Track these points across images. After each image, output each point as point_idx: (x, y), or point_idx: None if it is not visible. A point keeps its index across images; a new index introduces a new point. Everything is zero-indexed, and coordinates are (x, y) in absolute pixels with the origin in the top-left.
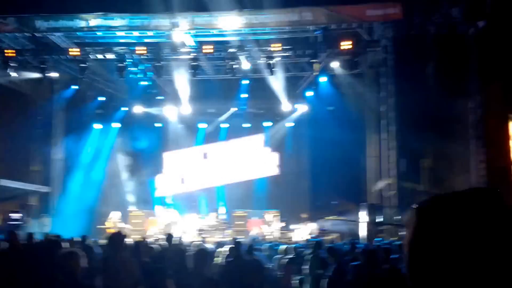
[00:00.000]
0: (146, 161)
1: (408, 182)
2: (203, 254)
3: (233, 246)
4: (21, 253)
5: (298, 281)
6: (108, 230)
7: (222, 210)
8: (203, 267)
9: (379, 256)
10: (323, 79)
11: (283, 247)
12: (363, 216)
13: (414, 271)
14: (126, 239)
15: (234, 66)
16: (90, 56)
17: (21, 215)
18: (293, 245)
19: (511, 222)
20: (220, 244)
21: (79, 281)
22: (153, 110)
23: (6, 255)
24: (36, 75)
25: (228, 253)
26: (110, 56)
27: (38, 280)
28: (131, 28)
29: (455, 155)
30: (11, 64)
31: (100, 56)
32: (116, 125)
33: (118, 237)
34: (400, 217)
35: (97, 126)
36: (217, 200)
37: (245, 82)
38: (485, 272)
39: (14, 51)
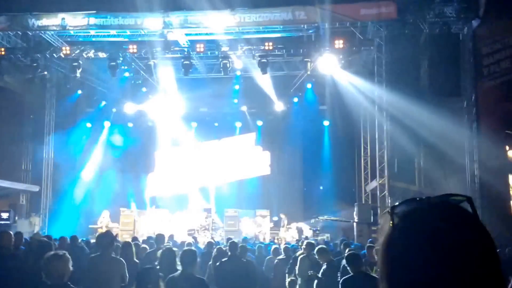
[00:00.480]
0: (137, 160)
1: (401, 183)
2: (191, 255)
3: (228, 246)
4: (10, 255)
5: (289, 283)
6: (99, 230)
7: (213, 209)
8: (192, 267)
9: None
10: (316, 78)
11: (274, 247)
12: (356, 216)
13: (386, 274)
14: (115, 239)
15: (226, 65)
16: (82, 54)
17: (9, 214)
18: (285, 245)
19: (479, 232)
20: (211, 244)
21: (66, 285)
22: (144, 109)
23: None
24: (27, 74)
25: (217, 254)
26: (102, 54)
27: (26, 283)
28: (123, 26)
29: (448, 154)
30: (2, 63)
31: (92, 55)
32: (107, 123)
33: (106, 237)
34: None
35: (88, 124)
36: (208, 200)
37: (237, 81)
38: (453, 278)
39: (4, 49)
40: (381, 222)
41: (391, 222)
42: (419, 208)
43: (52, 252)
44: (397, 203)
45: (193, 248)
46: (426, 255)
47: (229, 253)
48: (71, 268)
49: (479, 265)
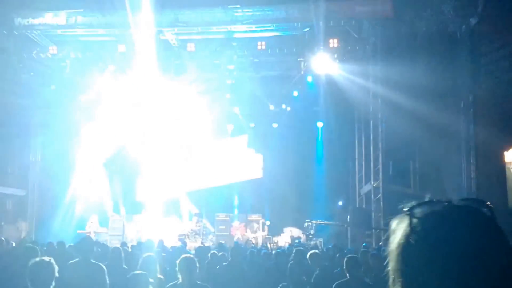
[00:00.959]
0: (127, 163)
1: (396, 185)
2: (191, 262)
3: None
4: None
5: None
6: (88, 235)
7: (204, 214)
8: (194, 275)
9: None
10: (310, 78)
11: (266, 252)
12: (350, 220)
13: (401, 276)
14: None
15: (218, 65)
16: (70, 54)
17: None
18: (277, 250)
19: (499, 237)
20: (201, 249)
21: None
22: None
23: None
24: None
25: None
26: (90, 54)
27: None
28: (111, 25)
29: (445, 157)
30: None
31: (79, 55)
32: (98, 124)
33: (85, 242)
34: (389, 221)
35: (80, 126)
36: (199, 204)
37: (229, 81)
38: (472, 284)
39: None
40: (395, 224)
41: (409, 224)
42: (440, 211)
43: (37, 259)
44: (414, 204)
45: (191, 255)
46: (446, 260)
47: (230, 259)
48: (56, 274)
49: (498, 271)
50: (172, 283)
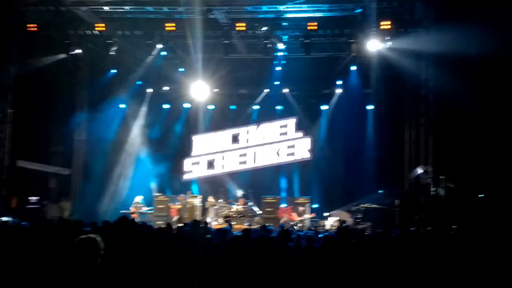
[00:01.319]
0: (173, 143)
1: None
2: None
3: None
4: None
5: None
6: (133, 215)
7: (251, 196)
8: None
9: None
10: (361, 60)
11: (310, 236)
12: (398, 204)
13: None
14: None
15: (268, 45)
16: (117, 32)
17: (38, 198)
18: (324, 234)
19: None
20: (247, 232)
21: (97, 268)
22: (181, 91)
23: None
24: (60, 52)
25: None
26: (138, 32)
27: (55, 265)
28: (160, 3)
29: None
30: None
31: (127, 33)
32: (142, 105)
33: (126, 222)
34: None
35: (122, 105)
36: (247, 186)
37: (279, 64)
38: None
39: (36, 25)
40: None
41: None
42: None
43: (83, 236)
44: None
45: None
46: None
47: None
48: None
49: None
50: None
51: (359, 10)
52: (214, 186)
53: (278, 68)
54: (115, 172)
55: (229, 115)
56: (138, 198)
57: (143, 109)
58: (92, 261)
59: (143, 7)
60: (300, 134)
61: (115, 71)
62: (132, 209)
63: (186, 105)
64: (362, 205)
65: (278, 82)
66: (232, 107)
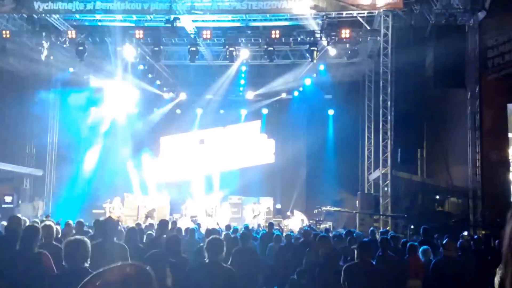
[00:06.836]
0: (142, 145)
1: (404, 173)
2: (219, 243)
3: (240, 236)
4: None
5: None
6: (109, 215)
7: (216, 196)
8: (219, 256)
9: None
10: (321, 67)
11: (276, 235)
12: (358, 206)
13: None
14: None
15: (233, 52)
16: (88, 39)
17: (12, 198)
18: (288, 233)
19: None
20: (215, 231)
21: (85, 269)
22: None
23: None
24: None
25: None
26: (108, 39)
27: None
28: (129, 11)
29: (451, 145)
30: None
31: (97, 40)
32: (113, 108)
33: (108, 223)
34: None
35: (93, 108)
36: (212, 187)
37: (244, 68)
38: None
39: (9, 32)
40: (509, 215)
41: None
42: None
43: (72, 238)
44: None
45: (218, 236)
46: None
47: (241, 242)
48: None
49: None
50: (199, 262)
51: (319, 20)
52: (181, 186)
53: (243, 75)
54: (86, 173)
55: (196, 118)
56: (116, 200)
57: (114, 112)
58: (81, 262)
59: (113, 15)
60: (264, 137)
61: (85, 76)
62: (109, 209)
63: (155, 109)
64: (323, 208)
65: (242, 88)
66: (199, 110)
